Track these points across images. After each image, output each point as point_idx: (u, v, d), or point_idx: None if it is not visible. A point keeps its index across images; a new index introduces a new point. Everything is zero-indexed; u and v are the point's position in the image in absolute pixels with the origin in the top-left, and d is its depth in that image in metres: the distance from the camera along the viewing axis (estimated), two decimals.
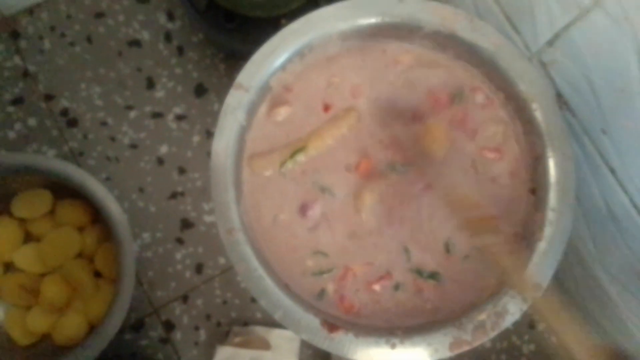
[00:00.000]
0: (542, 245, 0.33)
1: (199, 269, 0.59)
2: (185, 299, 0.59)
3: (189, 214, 0.60)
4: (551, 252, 0.33)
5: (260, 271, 0.32)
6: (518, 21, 0.39)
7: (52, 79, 0.61)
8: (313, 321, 0.32)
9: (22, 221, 0.55)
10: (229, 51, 0.62)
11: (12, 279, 0.54)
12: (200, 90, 0.62)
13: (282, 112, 0.35)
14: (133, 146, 0.60)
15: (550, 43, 0.37)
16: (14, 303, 0.54)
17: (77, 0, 0.62)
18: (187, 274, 0.59)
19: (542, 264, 0.33)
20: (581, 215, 0.42)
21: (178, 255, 0.59)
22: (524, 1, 0.38)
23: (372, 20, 0.35)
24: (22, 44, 0.61)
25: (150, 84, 0.61)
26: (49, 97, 0.60)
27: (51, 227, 0.55)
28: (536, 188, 0.35)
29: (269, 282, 0.32)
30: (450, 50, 0.36)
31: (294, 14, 0.56)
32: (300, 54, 0.35)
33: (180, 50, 0.62)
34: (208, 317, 0.59)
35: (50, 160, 0.50)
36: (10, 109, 0.60)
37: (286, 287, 0.33)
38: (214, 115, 0.62)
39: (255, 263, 0.32)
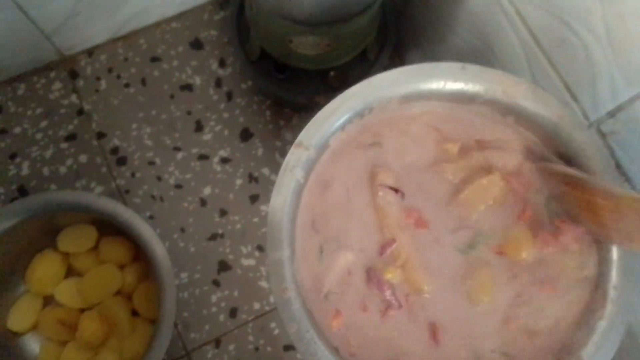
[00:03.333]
0: (603, 324, 0.32)
1: (233, 313, 0.59)
2: (217, 343, 0.58)
3: (227, 257, 0.60)
4: (613, 332, 0.32)
5: (312, 333, 0.32)
6: (577, 89, 0.39)
7: (105, 118, 0.63)
8: None
9: (66, 255, 0.56)
10: (276, 99, 0.64)
11: (52, 313, 0.55)
12: (245, 135, 0.63)
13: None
14: (178, 186, 0.61)
15: (612, 114, 0.37)
16: (51, 337, 0.55)
17: (134, 44, 0.65)
18: (222, 318, 0.59)
19: (603, 344, 0.32)
20: (637, 292, 0.41)
21: (214, 298, 0.59)
22: (585, 71, 0.38)
23: (434, 86, 0.35)
24: (80, 83, 0.64)
25: (199, 127, 0.63)
26: (101, 135, 0.62)
27: (94, 263, 0.56)
28: (597, 264, 0.34)
29: (320, 346, 0.32)
30: (511, 116, 0.36)
31: (342, 67, 0.58)
32: (359, 115, 0.35)
33: (229, 96, 0.64)
34: None
35: (99, 199, 0.51)
36: (64, 145, 0.62)
37: (336, 351, 0.33)
38: (258, 160, 0.63)
39: (307, 324, 0.32)
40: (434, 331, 0.34)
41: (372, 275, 0.34)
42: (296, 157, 0.34)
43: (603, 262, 0.33)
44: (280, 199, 0.34)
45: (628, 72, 0.35)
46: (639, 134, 0.35)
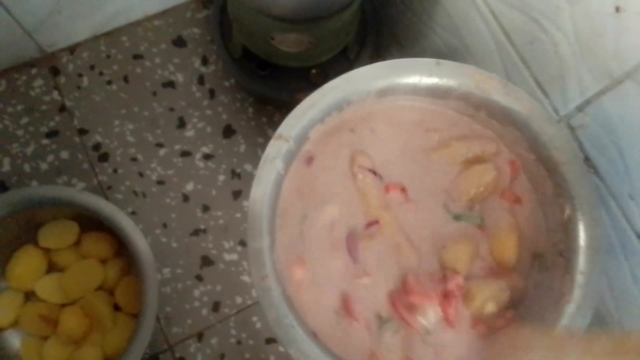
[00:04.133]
0: (571, 308, 0.34)
1: (216, 307, 0.59)
2: (200, 337, 0.59)
3: (209, 252, 0.61)
4: (580, 315, 0.34)
5: (291, 319, 0.33)
6: (548, 86, 0.40)
7: (87, 115, 0.63)
8: None
9: (47, 251, 0.56)
10: (259, 96, 0.64)
11: (32, 308, 0.54)
12: (228, 132, 0.64)
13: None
14: (160, 182, 0.62)
15: (580, 108, 0.38)
16: (32, 333, 0.54)
17: (117, 41, 0.65)
18: (204, 312, 0.59)
19: (570, 327, 0.34)
20: (604, 278, 0.43)
21: (196, 292, 0.60)
22: (554, 67, 0.39)
23: (409, 80, 0.36)
24: (62, 80, 0.64)
25: (181, 124, 0.63)
26: (83, 132, 0.62)
27: (75, 258, 0.56)
28: (565, 251, 0.35)
29: (298, 331, 0.33)
30: (483, 110, 0.37)
31: (324, 65, 0.59)
32: (338, 108, 0.37)
33: (211, 93, 0.65)
34: (222, 356, 0.58)
35: (81, 194, 0.52)
36: (45, 141, 0.62)
37: (315, 336, 0.34)
38: (240, 156, 0.63)
39: (285, 310, 0.33)
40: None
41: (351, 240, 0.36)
42: (276, 149, 0.35)
43: (570, 248, 0.35)
44: (260, 190, 0.35)
45: (594, 68, 0.37)
46: (606, 127, 0.37)
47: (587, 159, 0.39)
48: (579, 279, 0.34)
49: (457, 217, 0.38)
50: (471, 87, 0.36)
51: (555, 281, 0.35)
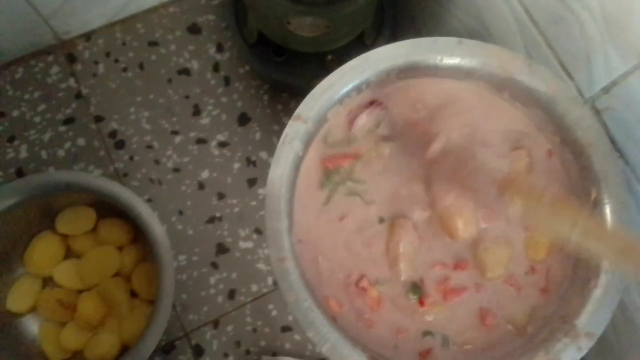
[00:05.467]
0: (597, 293, 0.33)
1: (231, 294, 0.59)
2: (216, 324, 0.59)
3: (225, 239, 0.61)
4: (607, 300, 0.33)
5: (310, 302, 0.32)
6: (572, 67, 0.39)
7: (103, 102, 0.63)
8: (360, 356, 0.32)
9: (64, 237, 0.56)
10: (274, 83, 0.64)
11: (50, 294, 0.55)
12: (243, 119, 0.64)
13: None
14: (176, 170, 0.62)
15: (606, 90, 0.37)
16: (50, 318, 0.55)
17: (132, 28, 0.65)
18: (220, 299, 0.59)
19: (597, 312, 0.33)
20: None
21: (212, 280, 0.60)
22: (579, 48, 0.38)
23: (430, 60, 0.36)
24: (78, 67, 0.64)
25: (197, 111, 0.63)
26: (99, 119, 0.63)
27: (92, 244, 0.56)
28: None
29: (317, 314, 0.32)
30: (507, 91, 0.36)
31: (340, 51, 0.58)
32: (357, 89, 0.36)
33: (227, 81, 0.64)
34: (238, 344, 0.58)
35: (99, 179, 0.52)
36: (62, 128, 0.62)
37: (334, 320, 0.33)
38: (255, 144, 0.63)
39: (304, 294, 0.32)
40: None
41: None
42: (294, 129, 0.35)
43: None
44: (278, 171, 0.34)
45: (622, 47, 0.35)
46: (633, 108, 0.36)
47: (613, 142, 0.38)
48: (605, 264, 0.33)
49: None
50: (494, 67, 0.35)
51: (581, 266, 0.34)
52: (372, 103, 0.37)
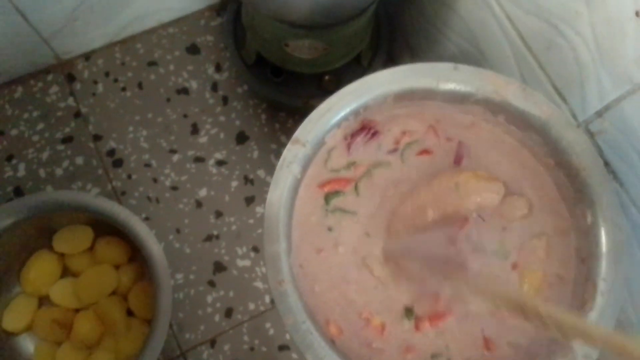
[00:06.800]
0: (593, 315, 0.33)
1: (228, 313, 0.59)
2: (213, 343, 0.58)
3: (222, 258, 0.61)
4: (603, 323, 0.33)
5: (308, 324, 0.33)
6: (566, 91, 0.40)
7: (102, 121, 0.63)
8: None
9: (61, 256, 0.56)
10: (272, 103, 0.65)
11: (47, 313, 0.55)
12: (241, 138, 0.64)
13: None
14: (174, 188, 0.62)
15: (600, 114, 0.38)
16: (46, 337, 0.55)
17: (131, 49, 0.66)
18: (217, 318, 0.59)
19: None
20: (625, 284, 0.42)
21: (209, 299, 0.60)
22: (573, 73, 0.39)
23: (427, 85, 0.36)
24: (77, 86, 0.64)
25: (195, 130, 0.64)
26: (97, 138, 0.63)
27: (89, 263, 0.56)
28: (586, 257, 0.35)
29: (316, 336, 0.32)
30: (502, 115, 0.37)
31: (337, 72, 0.59)
32: (355, 113, 0.36)
33: (225, 100, 0.65)
34: None
35: (96, 199, 0.52)
36: (60, 147, 0.62)
37: (332, 343, 0.33)
38: (253, 162, 0.63)
39: (303, 316, 0.33)
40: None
41: None
42: (293, 153, 0.35)
43: (592, 255, 0.34)
44: (277, 194, 0.35)
45: (614, 73, 0.36)
46: (626, 132, 0.37)
47: (606, 165, 0.39)
48: (601, 285, 0.33)
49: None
50: (489, 92, 0.36)
51: (577, 288, 0.34)
52: (363, 129, 0.37)
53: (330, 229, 0.37)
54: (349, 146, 0.37)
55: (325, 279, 0.36)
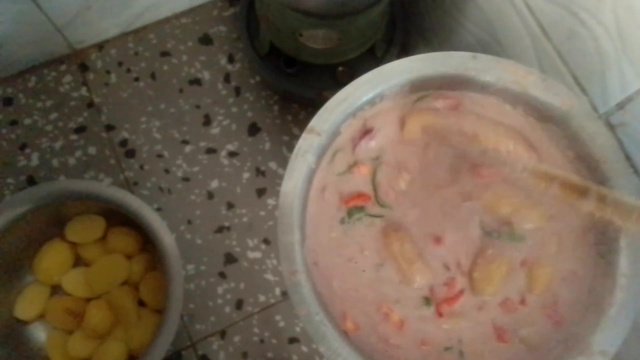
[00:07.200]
0: (612, 311, 0.32)
1: (239, 304, 0.59)
2: (223, 334, 0.58)
3: (233, 249, 0.61)
4: (621, 318, 0.32)
5: (321, 316, 0.32)
6: (586, 82, 0.39)
7: (114, 111, 0.63)
8: None
9: (73, 245, 0.56)
10: (284, 94, 0.64)
11: (59, 302, 0.55)
12: (253, 130, 0.64)
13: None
14: (185, 179, 0.62)
15: (621, 106, 0.37)
16: (57, 326, 0.55)
17: (144, 39, 0.66)
18: (227, 309, 0.59)
19: (611, 330, 0.32)
20: None
21: (220, 290, 0.60)
22: (594, 63, 0.38)
23: (444, 74, 0.36)
24: (90, 76, 0.64)
25: (207, 121, 0.63)
26: (110, 128, 0.63)
27: (101, 253, 0.56)
28: (606, 252, 0.34)
29: (329, 328, 0.32)
30: (521, 106, 0.36)
31: (350, 63, 0.58)
32: (371, 102, 0.36)
33: (237, 91, 0.65)
34: (244, 355, 0.58)
35: (109, 188, 0.52)
36: (73, 136, 0.62)
37: (345, 335, 0.33)
38: (265, 154, 0.63)
39: (316, 307, 0.32)
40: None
41: None
42: (308, 142, 0.35)
43: (612, 250, 0.34)
44: (291, 184, 0.34)
45: (637, 63, 0.35)
46: None
47: (627, 158, 0.38)
48: (621, 281, 0.33)
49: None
50: (509, 81, 0.35)
51: (596, 282, 0.34)
52: (367, 132, 0.37)
53: (347, 233, 0.37)
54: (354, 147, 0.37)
55: (345, 277, 0.36)
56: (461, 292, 0.35)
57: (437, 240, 0.36)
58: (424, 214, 0.36)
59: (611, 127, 0.39)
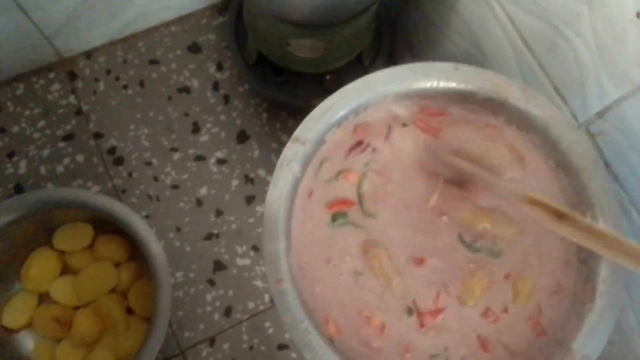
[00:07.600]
0: (592, 317, 0.33)
1: (228, 312, 0.59)
2: (212, 342, 0.58)
3: (222, 256, 0.61)
4: (602, 324, 0.33)
5: (307, 323, 0.33)
6: (567, 92, 0.40)
7: (103, 119, 0.63)
8: None
9: (61, 253, 0.56)
10: (273, 102, 0.65)
11: (46, 311, 0.55)
12: (242, 137, 0.64)
13: None
14: (174, 186, 0.62)
15: (600, 115, 0.38)
16: (45, 334, 0.55)
17: (133, 47, 0.66)
18: (216, 317, 0.59)
19: (593, 335, 0.33)
20: (625, 287, 0.42)
21: (208, 297, 0.60)
22: (574, 74, 0.39)
23: (427, 84, 0.36)
24: (78, 84, 0.65)
25: (196, 129, 0.64)
26: (98, 136, 0.63)
27: (89, 261, 0.56)
28: (587, 258, 0.35)
29: (314, 335, 0.32)
30: (502, 116, 0.37)
31: (338, 72, 0.59)
32: (355, 112, 0.36)
33: (226, 99, 0.65)
34: None
35: (96, 196, 0.52)
36: (61, 144, 0.62)
37: (331, 342, 0.33)
38: (254, 161, 0.63)
39: (302, 315, 0.33)
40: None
41: None
42: (293, 151, 0.35)
43: (592, 256, 0.34)
44: (276, 192, 0.35)
45: (615, 74, 0.36)
46: (627, 133, 0.37)
47: (607, 166, 0.39)
48: (601, 287, 0.33)
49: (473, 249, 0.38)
50: (490, 92, 0.36)
51: (577, 289, 0.34)
52: (359, 143, 0.37)
53: (331, 237, 0.37)
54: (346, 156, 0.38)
55: (326, 280, 0.36)
56: (443, 307, 0.36)
57: (418, 256, 0.37)
58: (405, 227, 0.37)
59: (591, 135, 0.40)
